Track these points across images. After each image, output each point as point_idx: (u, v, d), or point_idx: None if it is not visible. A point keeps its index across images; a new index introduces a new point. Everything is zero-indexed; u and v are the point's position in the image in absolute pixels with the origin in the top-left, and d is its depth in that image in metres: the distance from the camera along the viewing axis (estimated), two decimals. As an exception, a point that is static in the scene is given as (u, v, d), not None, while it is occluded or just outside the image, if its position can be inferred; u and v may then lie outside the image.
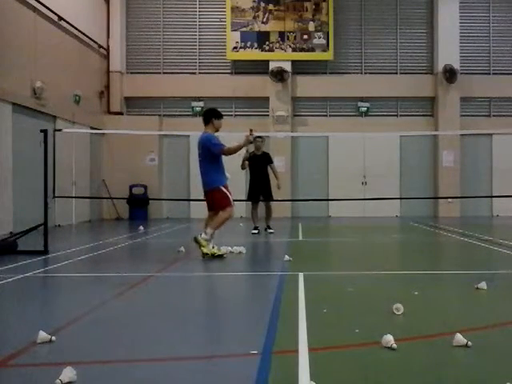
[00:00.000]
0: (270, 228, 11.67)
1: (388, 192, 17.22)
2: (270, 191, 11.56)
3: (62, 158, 12.79)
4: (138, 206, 17.44)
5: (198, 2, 19.02)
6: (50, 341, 3.54)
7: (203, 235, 7.64)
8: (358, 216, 17.95)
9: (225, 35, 18.54)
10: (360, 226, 14.88)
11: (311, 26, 18.41)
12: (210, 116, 7.95)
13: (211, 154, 7.70)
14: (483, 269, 6.84)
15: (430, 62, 19.06)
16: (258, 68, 18.55)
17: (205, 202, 8.05)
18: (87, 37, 16.47)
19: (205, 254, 7.53)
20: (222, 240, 8.94)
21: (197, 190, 17.90)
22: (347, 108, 19.13)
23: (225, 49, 18.58)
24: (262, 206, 11.97)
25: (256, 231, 11.56)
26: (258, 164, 11.50)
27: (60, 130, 10.64)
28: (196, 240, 7.64)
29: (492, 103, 19.09)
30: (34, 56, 13.15)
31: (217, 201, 7.69)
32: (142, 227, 13.19)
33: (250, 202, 12.19)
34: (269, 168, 11.61)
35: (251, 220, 11.90)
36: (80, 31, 15.87)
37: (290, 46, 18.44)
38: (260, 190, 11.53)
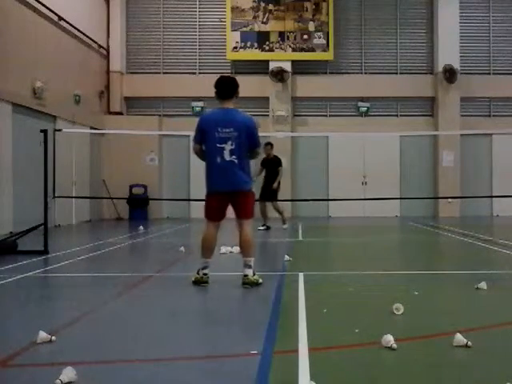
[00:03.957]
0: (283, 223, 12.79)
1: (388, 192, 17.20)
2: (269, 192, 12.54)
3: (61, 158, 12.79)
4: (138, 205, 17.44)
5: (197, 2, 19.03)
6: (50, 341, 3.53)
7: (250, 271, 5.59)
8: (357, 216, 17.95)
9: (225, 35, 18.54)
10: (360, 226, 14.88)
11: (311, 26, 18.41)
12: (237, 87, 5.75)
13: (246, 146, 5.63)
14: (483, 269, 6.83)
15: (430, 62, 19.06)
16: (258, 68, 18.55)
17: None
18: (87, 37, 16.46)
19: (251, 284, 5.54)
20: (222, 240, 8.93)
21: (197, 189, 18.13)
22: (347, 108, 19.13)
23: (225, 49, 18.58)
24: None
25: (262, 227, 12.55)
26: (268, 167, 12.77)
27: (60, 130, 10.63)
28: (249, 282, 5.53)
29: (492, 103, 19.09)
30: (34, 56, 13.14)
31: (249, 207, 5.72)
32: (141, 227, 13.19)
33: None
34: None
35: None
36: (80, 31, 15.86)
37: (290, 46, 18.43)
38: (264, 190, 12.62)
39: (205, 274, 5.65)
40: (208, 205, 5.74)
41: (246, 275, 5.56)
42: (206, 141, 5.62)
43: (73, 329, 4.04)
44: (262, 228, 12.48)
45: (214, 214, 5.72)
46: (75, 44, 15.75)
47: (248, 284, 5.52)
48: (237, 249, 8.10)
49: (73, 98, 15.52)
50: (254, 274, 5.59)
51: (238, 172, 5.55)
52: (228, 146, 5.50)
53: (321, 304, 4.67)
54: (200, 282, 5.64)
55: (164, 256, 8.33)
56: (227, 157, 5.50)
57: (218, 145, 5.51)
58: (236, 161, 5.52)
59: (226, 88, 5.69)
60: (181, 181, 18.43)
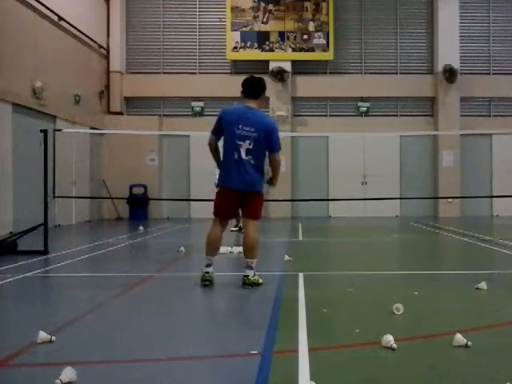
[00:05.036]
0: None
1: (388, 192, 17.21)
2: None
3: (61, 158, 12.79)
4: (138, 205, 17.44)
5: (197, 2, 19.02)
6: (50, 341, 3.54)
7: (251, 272, 5.55)
8: (358, 216, 17.94)
9: (225, 35, 18.53)
10: (360, 226, 14.88)
11: (311, 26, 18.40)
12: (263, 89, 5.72)
13: (264, 148, 5.53)
14: (483, 269, 6.83)
15: (430, 62, 19.06)
16: (258, 68, 18.52)
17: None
18: (87, 37, 16.46)
19: (252, 284, 5.53)
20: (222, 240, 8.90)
21: (197, 189, 18.14)
22: (347, 108, 19.13)
23: (225, 49, 18.57)
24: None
25: (235, 229, 11.58)
26: None
27: (60, 130, 10.62)
28: (249, 282, 5.50)
29: (492, 103, 19.09)
30: (34, 56, 13.14)
31: (257, 208, 5.64)
32: (141, 227, 13.18)
33: None
34: None
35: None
36: (80, 31, 15.86)
37: (290, 46, 18.43)
38: None
39: (207, 273, 5.61)
40: (217, 201, 5.67)
41: (246, 276, 5.52)
42: (225, 135, 5.54)
43: (72, 329, 4.04)
44: (234, 229, 11.54)
45: (223, 211, 5.66)
46: (75, 44, 15.75)
47: (248, 285, 5.47)
48: (236, 249, 8.10)
49: (73, 98, 15.52)
50: (254, 275, 5.55)
51: (252, 172, 5.47)
52: (245, 145, 5.44)
53: (321, 304, 4.67)
54: (203, 280, 5.59)
55: (164, 256, 8.32)
56: (243, 155, 5.43)
57: (237, 141, 5.43)
58: (252, 161, 5.45)
59: (253, 87, 5.64)
60: (181, 181, 18.43)
